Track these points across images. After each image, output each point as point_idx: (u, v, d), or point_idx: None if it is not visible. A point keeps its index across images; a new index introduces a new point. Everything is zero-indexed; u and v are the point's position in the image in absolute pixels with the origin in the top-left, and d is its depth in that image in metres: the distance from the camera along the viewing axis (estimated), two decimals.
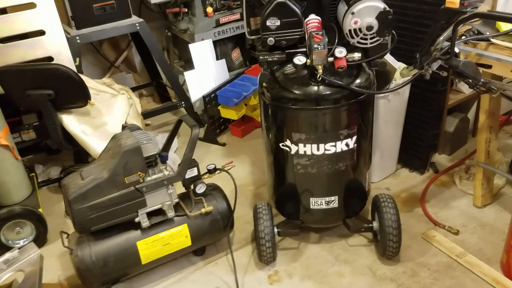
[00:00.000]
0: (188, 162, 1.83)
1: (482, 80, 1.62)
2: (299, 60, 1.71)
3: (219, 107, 3.02)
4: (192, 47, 3.07)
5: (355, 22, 1.65)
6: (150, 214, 1.84)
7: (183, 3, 3.07)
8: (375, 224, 2.00)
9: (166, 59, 3.10)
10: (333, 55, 1.66)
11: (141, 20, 2.86)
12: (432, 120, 2.44)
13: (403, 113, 2.42)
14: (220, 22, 3.17)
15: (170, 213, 1.85)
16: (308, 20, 1.76)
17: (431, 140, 2.52)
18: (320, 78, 1.70)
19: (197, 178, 1.94)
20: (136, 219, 1.80)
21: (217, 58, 3.22)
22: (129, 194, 1.73)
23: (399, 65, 2.21)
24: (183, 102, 3.16)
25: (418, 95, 2.39)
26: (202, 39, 3.12)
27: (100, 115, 2.21)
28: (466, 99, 2.61)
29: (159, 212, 1.86)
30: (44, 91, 2.06)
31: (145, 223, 1.81)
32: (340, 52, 1.65)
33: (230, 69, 3.31)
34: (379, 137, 2.37)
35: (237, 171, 2.77)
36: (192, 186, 1.93)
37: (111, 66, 3.39)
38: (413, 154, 2.55)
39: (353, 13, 1.64)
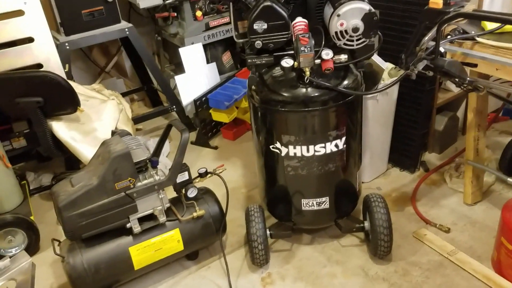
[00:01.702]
0: (179, 166, 1.83)
1: (468, 78, 1.64)
2: (287, 62, 1.72)
3: (211, 111, 3.02)
4: (182, 51, 3.08)
5: (341, 24, 1.66)
6: (141, 220, 1.84)
7: (172, 8, 3.07)
8: (367, 224, 2.02)
9: (156, 64, 3.10)
10: (320, 57, 1.68)
11: (130, 25, 2.86)
12: (421, 120, 2.46)
13: (392, 113, 2.44)
14: (210, 26, 3.17)
15: (162, 218, 1.85)
16: (295, 23, 1.78)
17: (420, 139, 2.54)
18: (308, 80, 1.71)
19: (188, 182, 1.94)
20: (128, 225, 1.80)
21: (208, 62, 3.22)
22: (119, 200, 1.73)
23: (386, 66, 2.23)
24: (174, 106, 3.16)
25: (407, 95, 2.41)
26: (192, 43, 3.13)
27: (89, 121, 2.21)
28: (454, 98, 2.63)
29: (151, 217, 1.86)
30: (33, 99, 2.06)
31: (137, 228, 1.81)
32: (327, 54, 1.66)
33: (221, 72, 3.32)
34: (369, 137, 2.39)
35: (229, 174, 2.79)
36: (183, 191, 1.93)
37: (101, 72, 3.39)
38: (403, 153, 2.57)
39: (338, 15, 1.65)
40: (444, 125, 2.62)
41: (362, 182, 2.52)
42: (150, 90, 3.50)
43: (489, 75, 1.85)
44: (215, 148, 3.06)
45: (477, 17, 1.51)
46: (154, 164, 1.86)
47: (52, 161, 2.91)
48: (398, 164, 2.62)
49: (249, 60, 1.85)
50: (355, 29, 1.65)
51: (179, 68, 3.28)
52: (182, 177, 1.90)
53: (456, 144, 2.75)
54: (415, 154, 2.55)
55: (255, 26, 1.76)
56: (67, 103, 2.11)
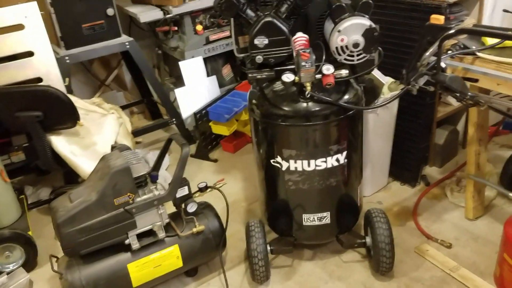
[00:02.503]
0: (178, 181, 1.82)
1: (469, 94, 1.63)
2: (288, 77, 1.71)
3: (211, 123, 3.02)
4: (182, 64, 3.09)
5: (342, 40, 1.66)
6: (140, 235, 1.82)
7: (172, 22, 3.09)
8: (368, 240, 2.00)
9: (156, 77, 3.10)
10: (320, 72, 1.67)
11: (130, 39, 2.87)
12: (421, 133, 2.46)
13: (392, 127, 2.43)
14: (210, 40, 3.18)
15: (161, 234, 1.83)
16: (296, 38, 1.78)
17: (421, 153, 2.53)
18: (309, 95, 1.71)
19: (188, 197, 1.92)
20: (126, 241, 1.78)
21: (208, 75, 3.23)
22: (118, 216, 1.71)
23: (386, 80, 2.22)
24: (174, 119, 3.15)
25: (407, 109, 2.40)
26: (193, 57, 3.14)
27: (89, 135, 2.20)
28: (455, 111, 2.63)
29: (150, 233, 1.84)
30: (33, 113, 2.05)
31: (135, 245, 1.78)
32: (328, 69, 1.66)
33: (221, 85, 3.32)
34: (370, 151, 2.38)
35: (229, 187, 2.77)
36: (183, 205, 1.92)
37: (101, 85, 3.39)
38: (404, 167, 2.56)
39: (339, 31, 1.65)
40: (444, 139, 2.61)
41: (363, 196, 2.51)
42: (150, 103, 3.50)
43: (489, 89, 1.85)
44: (215, 161, 3.05)
45: (479, 33, 1.52)
46: (154, 179, 1.85)
47: (51, 175, 2.89)
48: (399, 177, 2.61)
49: (250, 75, 1.85)
50: (356, 45, 1.65)
51: (179, 81, 3.28)
52: (182, 192, 1.88)
53: (456, 158, 2.74)
54: (416, 168, 2.54)
55: (256, 41, 1.77)
56: (66, 117, 2.10)
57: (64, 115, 2.10)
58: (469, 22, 2.40)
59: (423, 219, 2.32)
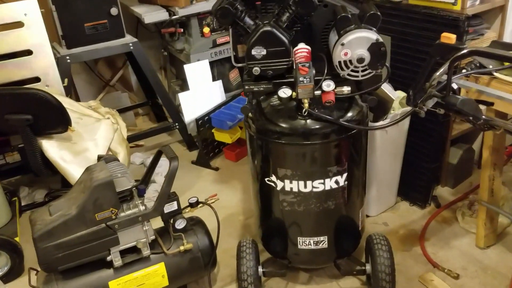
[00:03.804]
0: (165, 196, 1.71)
1: (483, 118, 1.49)
2: (284, 92, 1.59)
3: (213, 130, 2.91)
4: (187, 68, 2.99)
5: (345, 54, 1.53)
6: (124, 252, 1.72)
7: (179, 23, 2.99)
8: (368, 267, 1.86)
9: (160, 80, 3.01)
10: (320, 88, 1.55)
11: (135, 40, 2.78)
12: (433, 152, 2.30)
13: (402, 144, 2.28)
14: (217, 43, 3.08)
15: (146, 251, 1.73)
16: (297, 50, 1.65)
17: (432, 173, 2.38)
18: (306, 113, 1.58)
19: (177, 213, 1.82)
20: (108, 258, 1.68)
21: (214, 79, 3.12)
22: (99, 231, 1.62)
23: (397, 95, 2.08)
24: (176, 124, 3.06)
25: (419, 125, 2.25)
26: (198, 60, 3.04)
27: (82, 140, 2.12)
28: (471, 129, 2.46)
29: (134, 249, 1.74)
30: (23, 116, 1.98)
31: (118, 262, 1.69)
32: (328, 85, 1.53)
33: (227, 90, 3.21)
34: (377, 169, 2.24)
35: (227, 198, 2.66)
36: (171, 221, 1.82)
37: (106, 85, 3.32)
38: (414, 187, 2.41)
39: (343, 44, 1.52)
40: (458, 158, 2.44)
41: (368, 216, 2.37)
42: (155, 105, 3.42)
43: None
44: (216, 169, 2.94)
45: (492, 56, 1.36)
46: (141, 193, 1.75)
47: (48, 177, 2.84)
48: (408, 197, 2.46)
49: (246, 87, 1.73)
50: (360, 60, 1.52)
51: (185, 83, 3.18)
52: (170, 207, 1.78)
53: (471, 178, 2.57)
54: (426, 188, 2.38)
55: (254, 52, 1.65)
56: (57, 122, 2.02)
57: (54, 120, 2.02)
58: (489, 36, 2.24)
59: (431, 245, 2.16)
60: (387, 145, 2.20)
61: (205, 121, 2.88)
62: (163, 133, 3.24)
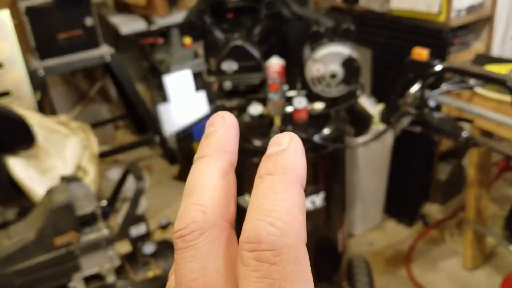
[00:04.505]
0: (130, 219, 1.62)
1: (463, 136, 1.40)
2: (255, 109, 1.50)
3: (195, 144, 2.82)
4: (167, 79, 2.90)
5: (318, 69, 1.44)
6: (88, 278, 1.62)
7: (159, 33, 2.90)
8: None
9: (139, 92, 2.92)
10: (292, 105, 1.46)
11: (112, 51, 2.69)
12: (421, 168, 2.22)
13: (386, 160, 2.19)
14: (200, 54, 2.99)
15: (110, 278, 1.63)
16: (270, 64, 1.56)
17: (420, 190, 2.29)
18: (279, 131, 1.49)
19: (146, 236, 1.72)
20: (70, 285, 1.58)
21: (197, 89, 3.03)
22: (59, 257, 1.52)
23: (377, 110, 1.99)
24: (157, 137, 2.96)
25: (404, 140, 2.16)
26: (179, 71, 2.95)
27: (49, 158, 2.02)
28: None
29: (99, 275, 1.64)
30: None
31: None
32: (299, 102, 1.44)
33: (211, 101, 3.12)
34: (360, 185, 2.15)
35: None
36: (140, 244, 1.71)
37: (84, 97, 3.22)
38: (401, 204, 2.31)
39: (315, 60, 1.43)
40: (447, 174, 2.35)
41: (353, 235, 2.28)
42: (136, 117, 3.32)
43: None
44: None
45: (466, 74, 1.28)
46: (106, 215, 1.65)
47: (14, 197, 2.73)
48: (395, 215, 2.36)
49: (218, 103, 1.64)
50: (333, 76, 1.43)
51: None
52: (138, 230, 1.68)
53: (461, 195, 2.47)
54: (414, 206, 2.29)
55: (224, 66, 1.56)
56: (20, 139, 1.92)
57: (17, 137, 1.92)
58: (477, 47, 2.16)
59: (417, 266, 2.07)
60: (370, 161, 2.12)
61: (186, 135, 2.79)
62: (144, 146, 3.14)
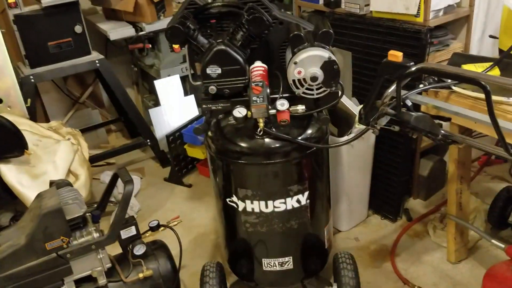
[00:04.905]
0: (120, 222, 1.65)
1: (441, 134, 1.45)
2: (239, 112, 1.55)
3: (185, 146, 2.87)
4: (157, 83, 2.94)
5: (299, 72, 1.50)
6: (79, 281, 1.65)
7: (147, 39, 2.94)
8: (335, 287, 1.81)
9: (129, 96, 2.95)
10: (275, 107, 1.51)
11: (101, 56, 2.73)
12: (403, 165, 2.27)
13: (370, 158, 2.25)
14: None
15: (102, 281, 1.66)
16: (253, 68, 1.62)
17: (403, 186, 2.35)
18: (262, 132, 1.54)
19: (136, 238, 1.76)
20: None
21: (186, 94, 3.08)
22: (51, 261, 1.55)
23: (359, 109, 2.04)
24: (148, 140, 3.00)
25: (386, 138, 2.22)
26: (169, 75, 2.99)
27: (40, 163, 2.06)
28: None
29: (91, 278, 1.68)
30: None
31: None
32: (282, 104, 1.49)
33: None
34: (346, 183, 2.20)
35: (199, 216, 2.61)
36: (130, 246, 1.75)
37: (75, 103, 3.26)
38: (385, 200, 2.37)
39: (295, 63, 1.48)
40: (429, 170, 2.42)
41: (340, 231, 2.33)
42: (128, 121, 3.36)
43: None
44: (189, 186, 2.89)
45: (443, 75, 1.33)
46: (96, 219, 1.69)
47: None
48: (379, 211, 2.42)
49: (203, 106, 1.69)
50: (314, 78, 1.48)
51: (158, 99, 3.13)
52: (128, 232, 1.72)
53: (443, 190, 2.54)
54: (397, 201, 2.35)
55: (208, 71, 1.60)
56: (12, 146, 1.96)
57: (9, 144, 1.95)
58: (455, 46, 2.22)
59: (402, 260, 2.12)
60: (354, 159, 2.17)
61: (176, 137, 2.83)
62: (136, 149, 3.18)
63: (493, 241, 1.80)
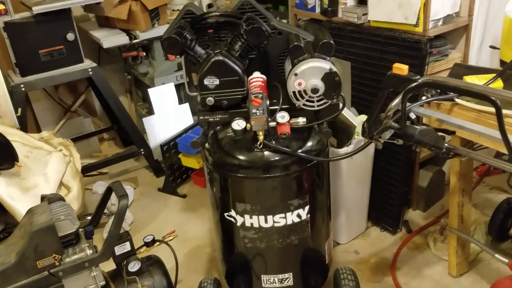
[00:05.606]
0: (114, 239, 1.59)
1: (445, 147, 1.42)
2: (238, 124, 1.51)
3: (180, 155, 2.81)
4: (151, 91, 2.89)
5: (299, 84, 1.46)
6: None
7: (141, 47, 2.90)
8: None
9: (122, 105, 2.90)
10: (275, 119, 1.47)
11: (94, 65, 2.67)
12: (402, 176, 2.24)
13: (369, 170, 2.21)
14: (182, 65, 2.98)
15: None
16: (252, 79, 1.57)
17: (402, 197, 2.31)
18: (262, 145, 1.50)
19: (131, 254, 1.70)
20: None
21: (181, 102, 3.03)
22: (42, 280, 1.48)
23: (359, 121, 2.01)
24: (142, 149, 2.95)
25: (386, 150, 2.16)
26: (163, 83, 2.95)
27: (31, 175, 1.99)
28: None
29: None
30: None
31: None
32: (282, 117, 1.45)
33: (195, 113, 3.12)
34: (344, 195, 2.16)
35: (194, 228, 2.55)
36: (125, 263, 1.69)
37: (67, 111, 3.19)
38: (384, 212, 2.33)
39: (296, 74, 1.44)
40: (428, 181, 2.38)
41: (339, 244, 2.29)
42: (121, 129, 3.29)
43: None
44: (184, 196, 2.83)
45: (446, 88, 1.30)
46: (89, 235, 1.63)
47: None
48: (379, 223, 2.38)
49: (201, 117, 1.64)
50: (315, 90, 1.44)
51: (152, 107, 3.08)
52: (123, 248, 1.66)
53: (442, 201, 2.51)
54: (397, 213, 2.31)
55: (206, 82, 1.56)
56: (2, 158, 1.90)
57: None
58: (454, 56, 2.20)
59: (402, 274, 2.08)
60: (353, 171, 2.13)
61: (170, 146, 2.78)
62: (129, 159, 3.12)
63: (496, 255, 1.76)
